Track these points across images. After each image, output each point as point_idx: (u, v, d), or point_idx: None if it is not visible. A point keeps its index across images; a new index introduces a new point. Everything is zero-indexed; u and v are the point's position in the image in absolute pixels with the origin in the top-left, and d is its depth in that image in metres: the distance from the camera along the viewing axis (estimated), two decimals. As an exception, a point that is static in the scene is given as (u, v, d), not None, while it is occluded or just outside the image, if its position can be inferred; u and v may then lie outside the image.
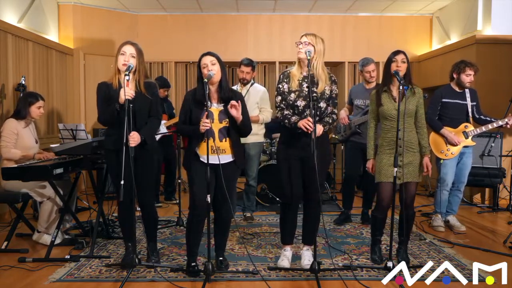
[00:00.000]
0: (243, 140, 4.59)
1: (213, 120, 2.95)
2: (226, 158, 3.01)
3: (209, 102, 2.94)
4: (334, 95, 3.15)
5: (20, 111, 3.86)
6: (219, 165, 2.88)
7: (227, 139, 3.02)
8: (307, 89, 3.05)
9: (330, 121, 3.12)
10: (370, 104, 3.36)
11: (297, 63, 3.14)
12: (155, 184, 4.84)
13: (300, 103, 3.07)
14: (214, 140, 2.94)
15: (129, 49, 3.07)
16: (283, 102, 3.12)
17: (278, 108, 3.14)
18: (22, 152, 3.77)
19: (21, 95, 4.60)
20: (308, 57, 2.94)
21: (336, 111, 3.19)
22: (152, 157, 3.23)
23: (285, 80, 3.13)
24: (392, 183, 3.17)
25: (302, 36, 3.08)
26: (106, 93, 3.09)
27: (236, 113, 2.91)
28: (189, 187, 3.09)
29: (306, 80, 3.08)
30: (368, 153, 3.33)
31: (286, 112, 3.10)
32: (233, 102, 2.90)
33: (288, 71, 3.17)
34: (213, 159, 2.90)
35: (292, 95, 3.09)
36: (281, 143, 3.21)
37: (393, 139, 3.18)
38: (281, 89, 3.13)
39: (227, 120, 3.00)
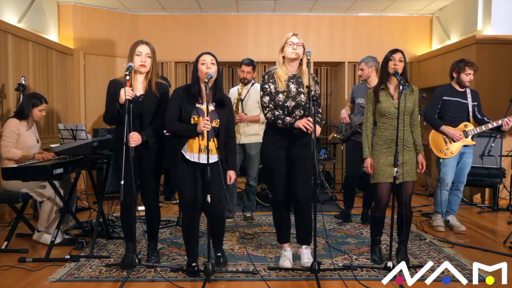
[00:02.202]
0: (244, 140, 4.60)
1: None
2: (212, 158, 2.96)
3: (200, 101, 2.97)
4: (317, 95, 3.18)
5: (23, 110, 3.86)
6: (207, 165, 2.82)
7: (215, 139, 3.00)
8: (295, 90, 3.07)
9: (319, 120, 3.14)
10: (367, 103, 3.34)
11: (281, 63, 3.12)
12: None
13: (290, 103, 3.07)
14: (202, 139, 2.92)
15: (145, 49, 3.07)
16: (272, 103, 3.11)
17: (267, 109, 3.10)
18: (23, 151, 3.77)
19: (22, 94, 4.60)
20: (309, 57, 2.95)
21: (320, 111, 3.21)
22: (157, 157, 3.21)
23: (271, 81, 3.11)
24: (390, 183, 3.17)
25: (292, 36, 3.07)
26: (116, 93, 3.06)
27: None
28: (177, 187, 3.06)
29: (292, 81, 3.10)
30: (364, 152, 3.29)
31: (277, 112, 3.07)
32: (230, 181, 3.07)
33: (272, 72, 3.15)
34: (201, 159, 2.90)
35: (280, 95, 3.08)
36: (269, 143, 3.16)
37: (390, 137, 3.19)
38: (268, 90, 3.11)
39: (218, 120, 2.99)
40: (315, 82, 3.17)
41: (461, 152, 4.18)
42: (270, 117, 3.08)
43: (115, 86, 3.09)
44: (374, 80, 4.37)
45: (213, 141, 2.99)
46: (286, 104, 3.07)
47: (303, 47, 3.06)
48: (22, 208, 3.91)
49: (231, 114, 3.17)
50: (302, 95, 3.07)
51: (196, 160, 2.91)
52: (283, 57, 3.11)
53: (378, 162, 3.21)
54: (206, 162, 2.84)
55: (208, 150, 2.86)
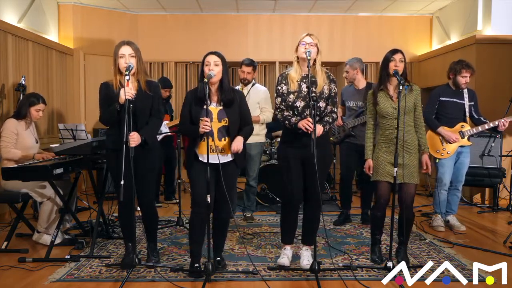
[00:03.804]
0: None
1: (212, 119, 2.95)
2: (226, 157, 3.02)
3: (208, 102, 2.95)
4: (333, 94, 3.16)
5: (21, 110, 3.86)
6: (219, 165, 2.88)
7: (227, 138, 3.03)
8: (306, 90, 3.07)
9: (330, 120, 3.12)
10: (368, 104, 3.36)
11: (295, 63, 3.14)
12: (155, 184, 4.83)
13: (299, 103, 3.08)
14: (213, 140, 2.95)
15: (127, 50, 3.06)
16: (283, 104, 3.13)
17: (278, 110, 3.15)
18: (23, 152, 3.77)
19: (22, 94, 4.60)
20: (308, 57, 2.95)
21: (336, 110, 3.19)
22: (153, 157, 3.22)
23: (284, 82, 3.14)
24: (389, 182, 3.18)
25: (306, 36, 3.08)
26: (107, 94, 3.08)
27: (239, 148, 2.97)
28: (190, 187, 3.10)
29: (304, 81, 3.10)
30: (366, 153, 3.31)
31: (286, 113, 3.11)
32: (234, 148, 2.94)
33: (286, 73, 3.19)
34: (213, 159, 2.91)
35: (291, 96, 3.10)
36: (282, 142, 3.23)
37: (389, 137, 3.20)
38: (280, 91, 3.14)
39: (226, 119, 3.00)
40: (331, 81, 3.15)
41: (458, 151, 4.19)
42: (280, 118, 3.12)
43: (107, 88, 3.10)
44: (360, 81, 4.42)
45: (225, 140, 3.01)
46: (295, 104, 3.08)
47: (317, 48, 3.05)
48: (22, 208, 3.91)
49: (243, 107, 3.11)
50: (313, 95, 3.04)
51: (205, 161, 2.90)
52: (297, 57, 3.11)
53: (377, 160, 3.22)
54: (216, 162, 2.88)
55: (213, 149, 2.91)
